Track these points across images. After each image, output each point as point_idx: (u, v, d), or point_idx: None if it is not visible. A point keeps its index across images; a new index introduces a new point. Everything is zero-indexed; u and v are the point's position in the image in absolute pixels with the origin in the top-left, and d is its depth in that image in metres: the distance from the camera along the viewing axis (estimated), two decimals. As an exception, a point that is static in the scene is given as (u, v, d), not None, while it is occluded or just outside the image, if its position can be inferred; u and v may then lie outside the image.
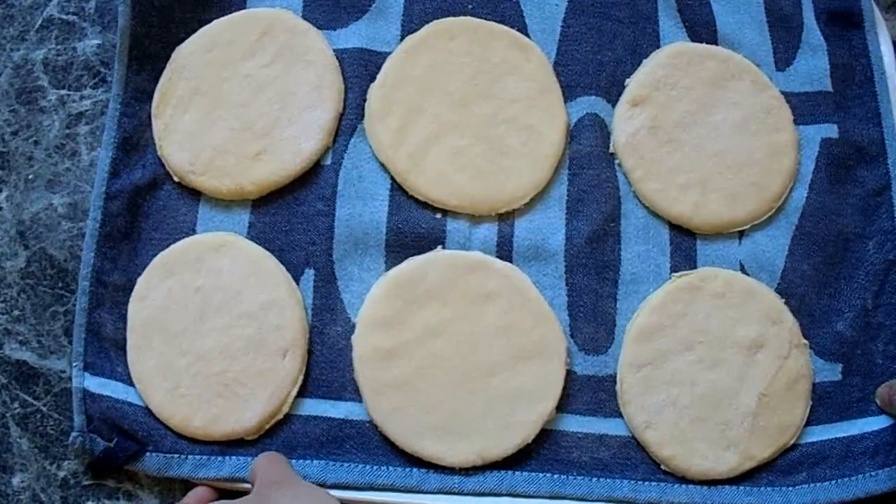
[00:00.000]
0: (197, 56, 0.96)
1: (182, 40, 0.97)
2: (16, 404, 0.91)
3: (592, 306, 0.91)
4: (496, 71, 0.95)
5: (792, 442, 0.88)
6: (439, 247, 0.91)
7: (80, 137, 0.98)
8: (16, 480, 0.89)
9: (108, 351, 0.90)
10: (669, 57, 0.96)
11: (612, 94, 0.97)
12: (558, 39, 0.98)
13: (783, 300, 0.91)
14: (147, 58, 0.96)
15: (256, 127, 0.93)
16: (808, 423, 0.89)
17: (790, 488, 0.87)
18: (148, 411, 0.88)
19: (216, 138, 0.93)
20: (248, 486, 0.84)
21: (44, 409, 0.91)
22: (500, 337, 0.88)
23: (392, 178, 0.93)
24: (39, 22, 1.02)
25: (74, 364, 0.88)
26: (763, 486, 0.87)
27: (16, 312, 0.93)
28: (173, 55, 0.96)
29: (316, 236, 0.92)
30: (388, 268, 0.91)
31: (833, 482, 0.87)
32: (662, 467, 0.88)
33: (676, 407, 0.87)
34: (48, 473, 0.89)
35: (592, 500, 0.86)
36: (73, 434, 0.87)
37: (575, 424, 0.89)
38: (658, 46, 0.98)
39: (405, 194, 0.93)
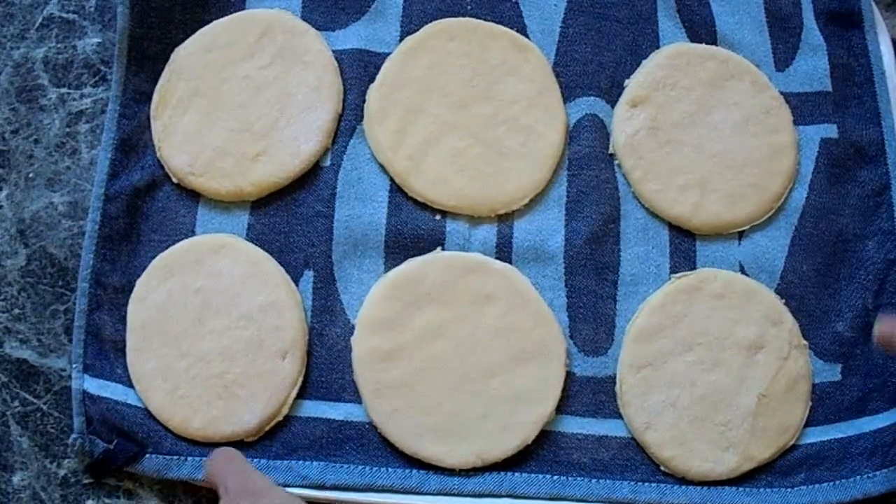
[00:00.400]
0: (196, 57, 0.96)
1: (181, 41, 0.97)
2: (16, 403, 0.91)
3: (592, 307, 0.91)
4: (495, 72, 0.95)
5: (791, 443, 0.88)
6: (438, 248, 0.91)
7: (80, 136, 0.98)
8: (16, 479, 0.89)
9: (107, 353, 0.90)
10: (669, 57, 0.96)
11: (612, 94, 0.97)
12: (557, 40, 0.97)
13: (783, 301, 0.91)
14: (146, 59, 0.96)
15: (255, 128, 0.93)
16: (808, 423, 0.89)
17: (789, 489, 0.87)
18: (147, 413, 0.88)
19: (215, 139, 0.93)
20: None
21: (44, 407, 0.91)
22: (500, 338, 0.88)
23: (391, 180, 0.93)
24: (40, 20, 1.01)
25: (74, 366, 0.88)
26: (762, 488, 0.87)
27: (16, 311, 0.93)
28: (172, 56, 0.96)
29: (315, 238, 0.92)
30: (387, 269, 0.91)
31: (831, 483, 0.87)
32: (662, 468, 0.88)
33: (676, 408, 0.87)
34: (48, 472, 0.89)
35: (592, 502, 0.86)
36: (73, 436, 0.87)
37: (575, 426, 0.89)
38: (657, 47, 0.98)
39: (404, 195, 0.93)
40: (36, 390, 0.91)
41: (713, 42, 0.98)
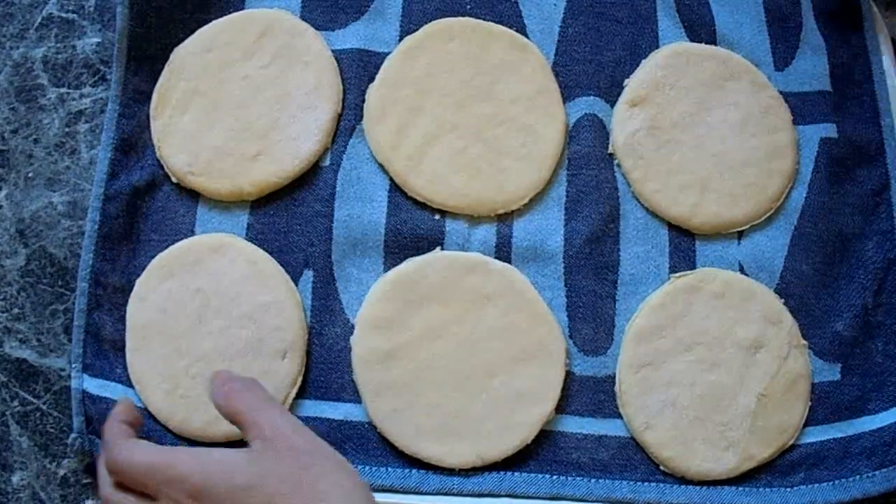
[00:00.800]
0: (195, 57, 0.96)
1: (181, 41, 0.97)
2: (16, 402, 0.91)
3: (591, 307, 0.91)
4: (495, 71, 0.95)
5: (791, 442, 0.88)
6: (438, 248, 0.91)
7: (79, 136, 0.98)
8: (15, 478, 0.89)
9: (107, 352, 0.90)
10: (668, 57, 0.96)
11: (611, 94, 0.96)
12: (557, 40, 0.97)
13: (782, 300, 0.91)
14: (145, 59, 0.96)
15: (255, 128, 0.93)
16: (807, 423, 0.89)
17: (788, 489, 0.87)
18: (147, 413, 0.88)
19: (215, 139, 0.93)
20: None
21: (43, 407, 0.91)
22: (499, 338, 0.88)
23: (391, 179, 0.93)
24: (39, 20, 1.01)
25: (73, 365, 0.88)
26: (762, 487, 0.87)
27: (16, 311, 0.93)
28: (172, 56, 0.96)
29: (315, 237, 0.92)
30: (386, 269, 0.91)
31: (830, 483, 0.87)
32: (662, 468, 0.88)
33: (676, 408, 0.87)
34: (48, 471, 0.89)
35: (592, 501, 0.87)
36: (73, 436, 0.87)
37: (574, 425, 0.89)
38: (657, 46, 0.98)
39: (404, 195, 0.93)
40: (35, 390, 0.91)
41: (713, 42, 0.98)
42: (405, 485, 0.86)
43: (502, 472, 0.87)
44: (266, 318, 0.88)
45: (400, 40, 0.96)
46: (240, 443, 0.86)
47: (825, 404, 0.90)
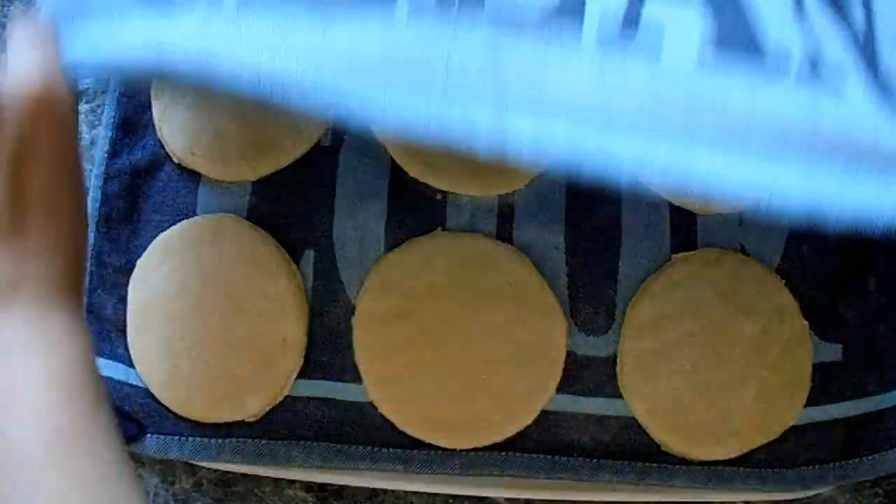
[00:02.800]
0: (196, 37, 0.95)
1: (182, 22, 0.96)
2: (19, 383, 0.91)
3: (592, 286, 0.90)
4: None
5: (793, 423, 0.88)
6: (439, 228, 0.91)
7: (81, 116, 0.97)
8: (20, 459, 0.89)
9: (108, 332, 0.90)
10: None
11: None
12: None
13: (784, 281, 0.90)
14: (147, 38, 0.96)
15: (255, 108, 0.92)
16: (809, 404, 0.89)
17: (790, 470, 0.87)
18: (148, 393, 0.88)
19: (216, 120, 0.92)
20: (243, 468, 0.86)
21: (47, 388, 0.91)
22: (501, 318, 0.88)
23: (392, 160, 0.92)
24: (41, -1, 1.01)
25: (76, 345, 0.88)
26: (763, 468, 0.87)
27: (19, 292, 0.93)
28: (173, 37, 0.95)
29: (316, 218, 0.91)
30: (387, 249, 0.90)
31: (832, 465, 0.87)
32: (664, 449, 0.88)
33: (677, 388, 0.87)
34: (51, 452, 0.89)
35: (593, 482, 0.87)
36: (75, 415, 0.87)
37: (575, 406, 0.88)
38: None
39: (405, 176, 0.92)
40: (38, 371, 0.91)
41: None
42: (407, 466, 0.87)
43: (503, 453, 0.87)
44: (267, 299, 0.88)
45: (401, 20, 0.96)
46: (238, 424, 0.87)
47: (828, 385, 0.90)
